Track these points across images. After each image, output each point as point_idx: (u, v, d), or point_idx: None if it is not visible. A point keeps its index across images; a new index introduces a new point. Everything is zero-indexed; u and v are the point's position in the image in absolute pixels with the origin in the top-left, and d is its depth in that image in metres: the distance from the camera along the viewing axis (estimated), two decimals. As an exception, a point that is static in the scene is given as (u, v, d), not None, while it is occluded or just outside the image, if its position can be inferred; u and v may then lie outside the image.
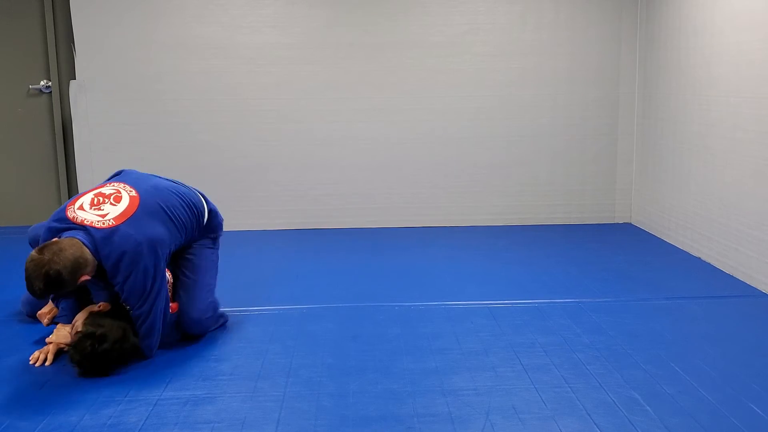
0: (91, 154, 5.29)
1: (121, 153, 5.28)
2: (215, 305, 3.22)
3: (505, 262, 4.42)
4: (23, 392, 2.67)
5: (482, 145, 5.39)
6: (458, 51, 5.29)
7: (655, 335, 3.18)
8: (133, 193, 2.98)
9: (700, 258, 4.42)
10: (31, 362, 2.91)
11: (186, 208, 3.10)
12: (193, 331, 3.11)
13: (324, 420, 2.44)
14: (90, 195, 2.97)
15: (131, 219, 2.86)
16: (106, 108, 5.26)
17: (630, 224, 5.46)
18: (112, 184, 3.06)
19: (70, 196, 5.46)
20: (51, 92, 5.40)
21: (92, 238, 2.78)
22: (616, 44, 5.33)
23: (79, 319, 2.92)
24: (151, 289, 2.85)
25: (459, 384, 2.70)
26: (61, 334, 2.97)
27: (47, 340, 3.00)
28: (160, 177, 3.25)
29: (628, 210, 5.51)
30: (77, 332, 2.85)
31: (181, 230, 3.07)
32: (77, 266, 2.70)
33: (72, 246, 2.72)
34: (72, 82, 5.24)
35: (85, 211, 2.87)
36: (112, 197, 2.95)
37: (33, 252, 2.72)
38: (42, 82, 5.38)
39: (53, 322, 3.26)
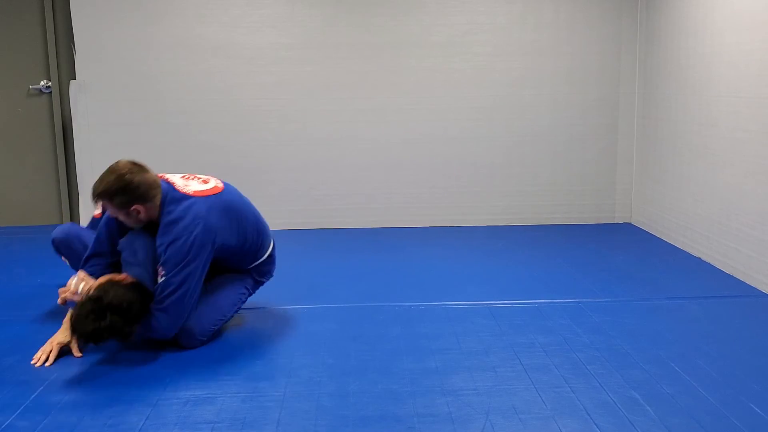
0: (91, 154, 5.29)
1: (121, 153, 5.21)
2: (212, 333, 3.15)
3: (505, 262, 4.42)
4: (23, 392, 2.66)
5: (482, 145, 5.39)
6: (458, 51, 5.29)
7: (655, 335, 3.18)
8: (220, 185, 3.15)
9: (700, 258, 4.42)
10: (32, 362, 2.91)
11: (254, 231, 3.21)
12: (181, 341, 3.06)
13: (324, 420, 2.44)
14: (182, 174, 3.19)
15: (207, 198, 3.01)
16: (106, 108, 5.26)
17: (630, 224, 5.46)
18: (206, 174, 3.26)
19: (70, 196, 5.48)
20: (51, 92, 5.40)
21: (168, 192, 2.97)
22: (616, 44, 5.33)
23: (100, 281, 2.94)
24: (190, 263, 2.89)
25: (459, 384, 2.70)
26: (64, 334, 2.97)
27: (51, 340, 2.99)
28: (252, 205, 3.34)
29: (628, 210, 5.51)
30: (88, 290, 2.88)
31: (238, 239, 3.12)
32: (145, 191, 2.88)
33: (154, 180, 2.95)
34: (72, 82, 5.24)
35: (173, 175, 3.11)
36: (201, 179, 3.17)
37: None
38: (42, 82, 5.38)
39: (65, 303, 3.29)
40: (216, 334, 3.20)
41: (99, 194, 2.90)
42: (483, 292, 3.81)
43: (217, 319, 3.15)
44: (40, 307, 3.59)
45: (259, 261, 3.33)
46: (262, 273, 3.39)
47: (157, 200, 2.93)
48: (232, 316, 3.28)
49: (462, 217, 5.46)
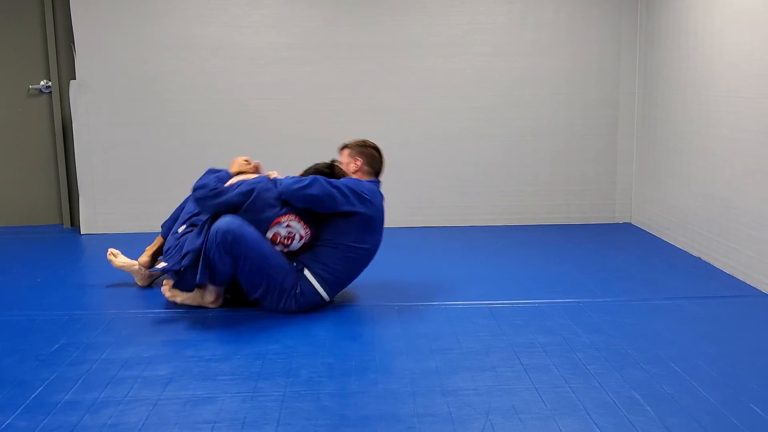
0: (91, 154, 5.29)
1: (121, 153, 5.29)
2: (228, 275, 3.41)
3: (505, 262, 4.42)
4: (23, 392, 2.67)
5: (482, 145, 5.39)
6: (458, 51, 5.29)
7: (655, 335, 3.18)
8: None
9: (700, 258, 4.42)
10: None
11: (369, 254, 3.61)
12: (218, 222, 3.38)
13: (324, 420, 2.44)
14: None
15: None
16: (106, 108, 5.26)
17: (630, 224, 5.46)
18: None
19: (70, 196, 5.48)
20: (51, 92, 5.40)
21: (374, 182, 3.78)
22: (616, 44, 5.33)
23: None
24: (346, 195, 3.47)
25: (459, 384, 2.70)
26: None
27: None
28: None
29: (628, 210, 5.51)
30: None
31: (371, 238, 3.57)
32: (371, 158, 3.77)
33: (380, 164, 3.82)
34: (72, 82, 5.23)
35: None
36: None
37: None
38: (42, 82, 5.38)
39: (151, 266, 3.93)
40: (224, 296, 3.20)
41: (348, 143, 3.82)
42: (483, 292, 3.81)
43: (255, 283, 3.43)
44: (39, 307, 3.60)
45: (323, 296, 3.54)
46: (309, 301, 3.50)
47: (368, 174, 3.75)
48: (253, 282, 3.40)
49: (462, 217, 5.46)
